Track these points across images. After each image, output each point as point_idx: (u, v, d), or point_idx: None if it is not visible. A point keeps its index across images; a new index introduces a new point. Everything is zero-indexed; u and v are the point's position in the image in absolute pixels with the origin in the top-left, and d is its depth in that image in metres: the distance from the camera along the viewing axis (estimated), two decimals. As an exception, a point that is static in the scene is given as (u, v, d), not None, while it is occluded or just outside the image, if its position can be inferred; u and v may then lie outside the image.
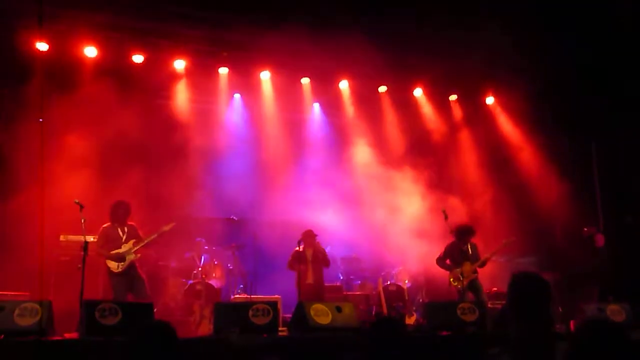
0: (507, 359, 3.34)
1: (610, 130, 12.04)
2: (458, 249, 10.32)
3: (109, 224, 9.26)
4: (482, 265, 10.22)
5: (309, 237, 10.84)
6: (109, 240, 9.12)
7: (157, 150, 11.65)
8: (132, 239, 9.22)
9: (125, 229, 9.27)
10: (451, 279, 10.28)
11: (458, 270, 10.14)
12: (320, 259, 11.05)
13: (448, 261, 10.41)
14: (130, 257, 9.08)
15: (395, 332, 3.79)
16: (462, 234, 10.36)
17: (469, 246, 10.37)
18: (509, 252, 12.33)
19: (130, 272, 9.09)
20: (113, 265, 9.06)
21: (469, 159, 13.35)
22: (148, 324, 3.54)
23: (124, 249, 9.08)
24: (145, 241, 9.29)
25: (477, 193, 12.86)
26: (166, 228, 9.42)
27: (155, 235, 9.38)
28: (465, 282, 10.02)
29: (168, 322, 3.62)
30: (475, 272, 10.19)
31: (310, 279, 10.96)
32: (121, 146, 11.13)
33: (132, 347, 3.39)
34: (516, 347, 3.39)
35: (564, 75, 11.77)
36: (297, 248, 10.60)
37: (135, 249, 9.15)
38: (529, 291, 3.51)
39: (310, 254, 11.00)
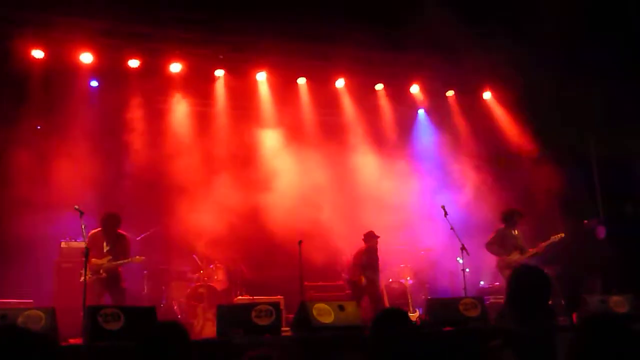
0: (509, 352, 3.35)
1: (608, 120, 12.01)
2: (507, 236, 10.36)
3: (99, 230, 9.39)
4: (531, 259, 10.27)
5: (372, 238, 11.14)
6: (92, 247, 9.07)
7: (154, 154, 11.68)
8: (111, 255, 9.28)
9: (110, 242, 9.35)
10: (500, 267, 10.35)
11: (507, 258, 10.20)
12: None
13: (496, 247, 10.45)
14: (102, 274, 9.17)
15: (401, 323, 3.77)
16: (510, 217, 10.41)
17: (517, 233, 10.41)
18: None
19: (102, 282, 9.18)
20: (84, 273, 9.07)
21: (465, 153, 13.33)
22: (160, 325, 3.53)
23: (100, 261, 9.20)
24: (117, 264, 9.36)
25: (475, 187, 12.85)
26: (137, 260, 9.52)
27: (127, 262, 9.45)
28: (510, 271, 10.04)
29: (179, 322, 3.62)
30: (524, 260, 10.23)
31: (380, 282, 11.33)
32: (119, 151, 11.17)
33: (143, 348, 3.38)
34: (518, 340, 3.40)
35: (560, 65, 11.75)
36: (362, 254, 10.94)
37: (106, 266, 9.19)
38: (529, 284, 3.53)
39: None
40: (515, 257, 10.20)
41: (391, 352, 3.53)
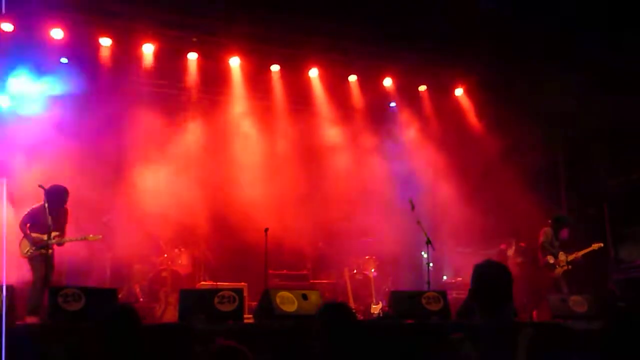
0: (469, 345, 3.37)
1: (575, 121, 12.18)
2: (553, 237, 10.61)
3: (42, 204, 8.79)
4: (572, 263, 10.53)
5: None
6: (36, 223, 8.90)
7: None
8: (57, 230, 9.07)
9: (55, 216, 8.98)
10: (548, 265, 10.53)
11: (554, 258, 10.41)
12: None
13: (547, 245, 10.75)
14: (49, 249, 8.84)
15: (343, 317, 3.80)
16: (561, 223, 10.64)
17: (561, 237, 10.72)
18: (474, 243, 12.53)
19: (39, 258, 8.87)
20: (25, 247, 8.92)
21: (434, 150, 13.39)
22: (113, 308, 3.51)
23: (47, 237, 8.75)
24: (65, 241, 9.18)
25: (442, 185, 12.96)
26: (92, 238, 9.35)
27: (79, 239, 9.29)
28: (560, 271, 10.34)
29: (132, 306, 3.59)
30: (570, 264, 10.42)
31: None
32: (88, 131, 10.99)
33: (96, 330, 3.35)
34: (479, 333, 3.43)
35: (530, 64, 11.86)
36: None
37: (53, 242, 9.01)
38: (490, 278, 3.55)
39: None
40: (562, 257, 10.53)
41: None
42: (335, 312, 3.85)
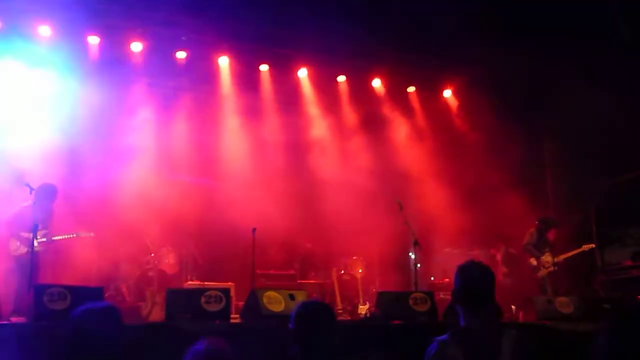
0: (454, 346, 3.38)
1: (565, 122, 12.24)
2: (541, 237, 10.74)
3: (30, 203, 8.77)
4: (558, 265, 10.61)
5: None
6: (26, 220, 8.80)
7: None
8: (46, 229, 9.05)
9: (43, 215, 8.99)
10: (532, 267, 10.56)
11: (539, 259, 10.49)
12: None
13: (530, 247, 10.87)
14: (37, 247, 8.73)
15: (319, 316, 3.79)
16: (547, 225, 10.67)
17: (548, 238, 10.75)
18: (462, 245, 12.56)
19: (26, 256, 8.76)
20: (14, 246, 8.88)
21: (423, 151, 13.42)
22: (92, 306, 3.47)
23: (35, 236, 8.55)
24: (57, 238, 9.16)
25: (430, 186, 12.98)
26: (83, 234, 9.34)
27: (70, 236, 9.26)
28: (544, 273, 10.39)
29: (113, 304, 3.57)
30: (555, 266, 10.47)
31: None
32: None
33: (75, 329, 3.33)
34: (464, 334, 3.44)
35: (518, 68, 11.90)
36: None
37: (44, 240, 8.97)
38: (474, 278, 3.57)
39: None
40: (548, 258, 10.55)
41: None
42: (312, 310, 3.83)
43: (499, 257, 11.76)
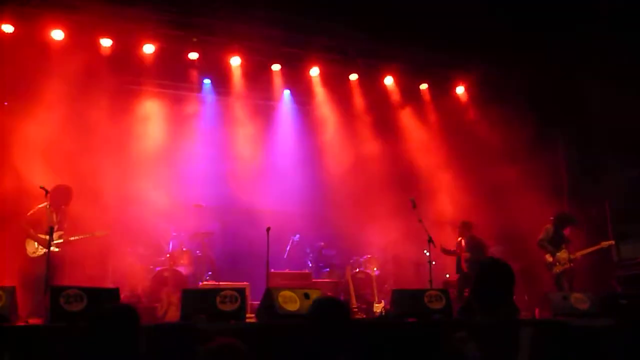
0: (473, 344, 3.36)
1: (578, 118, 12.17)
2: (556, 234, 10.63)
3: (46, 204, 8.79)
4: (574, 261, 10.54)
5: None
6: (42, 222, 8.88)
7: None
8: (62, 230, 9.12)
9: (59, 216, 9.11)
10: (547, 263, 10.52)
11: (555, 255, 10.41)
12: None
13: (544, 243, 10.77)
14: (55, 248, 8.84)
15: (335, 312, 3.78)
16: (564, 221, 10.61)
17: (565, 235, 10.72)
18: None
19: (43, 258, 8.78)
20: (31, 248, 8.93)
21: (436, 149, 13.38)
22: (110, 308, 3.48)
23: (51, 237, 8.54)
24: (73, 238, 9.22)
25: (444, 183, 12.94)
26: (99, 233, 9.38)
27: (86, 236, 9.32)
28: (560, 269, 10.34)
29: (131, 305, 3.57)
30: (572, 262, 10.39)
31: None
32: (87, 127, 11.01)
33: (93, 330, 3.34)
34: (482, 332, 3.42)
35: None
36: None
37: (60, 241, 9.02)
38: (494, 277, 3.54)
39: None
40: (563, 254, 10.48)
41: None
42: (328, 306, 3.83)
43: (463, 243, 11.64)
